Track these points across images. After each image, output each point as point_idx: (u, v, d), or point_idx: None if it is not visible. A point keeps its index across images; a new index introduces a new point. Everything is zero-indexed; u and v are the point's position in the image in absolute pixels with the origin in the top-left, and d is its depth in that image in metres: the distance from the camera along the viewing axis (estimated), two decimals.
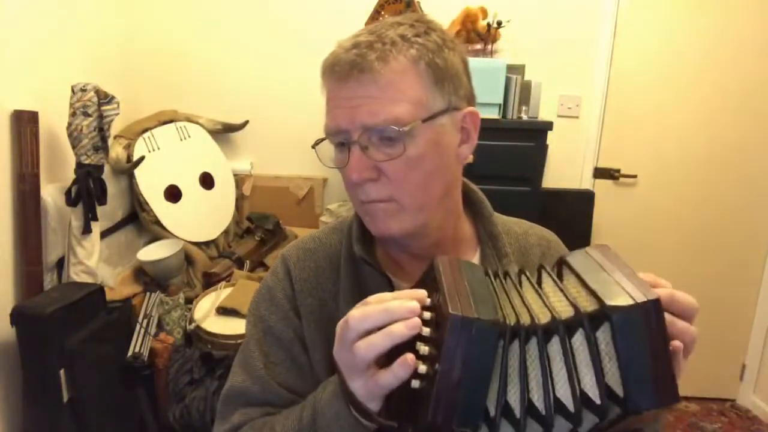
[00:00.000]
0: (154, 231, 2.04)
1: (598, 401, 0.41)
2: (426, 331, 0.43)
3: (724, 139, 2.36)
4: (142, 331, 1.68)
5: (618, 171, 2.41)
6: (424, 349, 0.42)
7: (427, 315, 0.44)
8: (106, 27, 2.12)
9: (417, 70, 0.58)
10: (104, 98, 1.63)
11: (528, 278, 0.51)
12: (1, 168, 1.52)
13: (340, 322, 0.48)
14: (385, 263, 0.69)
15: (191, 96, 2.36)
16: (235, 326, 1.69)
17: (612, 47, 2.30)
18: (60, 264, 1.68)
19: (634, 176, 2.41)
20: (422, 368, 0.42)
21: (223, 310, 1.76)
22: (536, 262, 0.69)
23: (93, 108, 1.60)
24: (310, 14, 2.30)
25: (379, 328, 0.45)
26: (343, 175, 0.62)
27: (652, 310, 0.41)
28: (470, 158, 0.65)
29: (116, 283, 1.86)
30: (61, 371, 1.41)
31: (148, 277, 1.93)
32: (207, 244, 2.14)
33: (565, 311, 0.44)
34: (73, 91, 1.61)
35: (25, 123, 1.55)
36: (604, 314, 0.41)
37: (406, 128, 0.57)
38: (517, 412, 0.42)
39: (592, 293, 0.44)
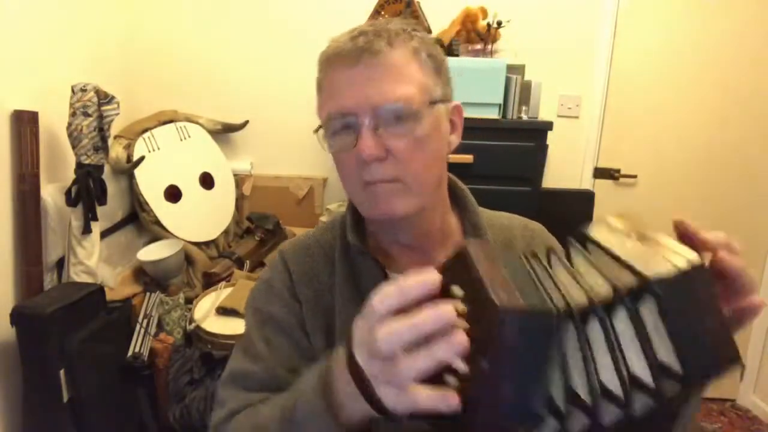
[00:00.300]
0: (154, 231, 2.04)
1: (651, 383, 0.37)
2: (461, 324, 0.38)
3: (724, 139, 2.36)
4: (142, 331, 1.68)
5: (618, 171, 2.41)
6: (462, 323, 0.38)
7: (460, 307, 0.38)
8: (106, 27, 2.12)
9: (419, 59, 0.62)
10: (104, 98, 1.63)
11: (558, 258, 0.46)
12: (1, 168, 1.52)
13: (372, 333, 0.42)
14: (376, 254, 0.70)
15: (191, 96, 2.36)
16: (235, 326, 1.69)
17: (612, 47, 2.30)
18: (60, 264, 1.68)
19: (634, 176, 2.41)
20: (460, 366, 0.37)
21: (223, 310, 1.76)
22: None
23: (93, 108, 1.60)
24: (310, 14, 2.30)
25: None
26: (342, 160, 0.63)
27: (697, 276, 0.38)
28: (455, 144, 0.69)
29: (116, 283, 1.86)
30: (61, 371, 1.41)
31: (148, 277, 1.93)
32: (207, 244, 2.14)
33: (603, 289, 0.40)
34: (73, 91, 1.61)
35: (25, 123, 1.55)
36: (646, 287, 0.38)
37: (416, 107, 0.60)
38: (585, 397, 0.38)
39: (627, 267, 0.40)
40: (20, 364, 1.43)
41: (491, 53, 1.96)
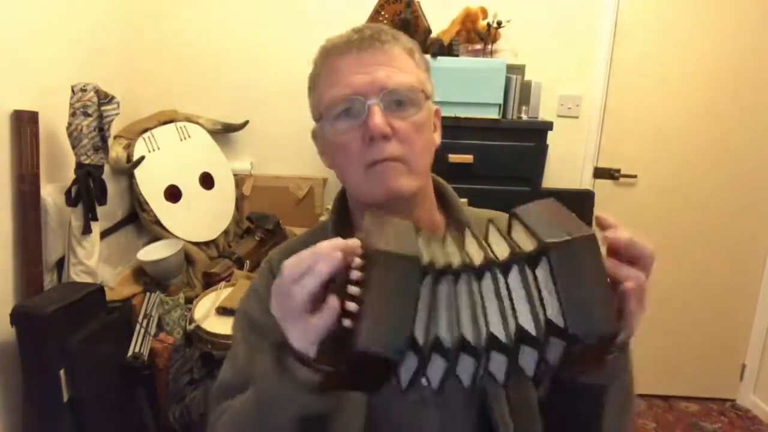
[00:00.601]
0: (154, 231, 2.04)
1: (534, 333, 0.42)
2: (357, 275, 0.45)
3: (724, 139, 2.36)
4: (142, 331, 1.68)
5: (618, 171, 2.41)
6: (354, 290, 0.44)
7: (358, 261, 0.46)
8: (106, 27, 2.12)
9: (415, 57, 0.69)
10: (104, 98, 1.63)
11: (473, 235, 0.52)
12: (1, 168, 1.52)
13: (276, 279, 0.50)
14: None
15: (191, 96, 2.36)
16: None
17: (612, 47, 2.30)
18: (60, 264, 1.68)
19: (634, 176, 2.41)
20: (352, 306, 0.44)
21: (223, 310, 1.76)
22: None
23: (93, 108, 1.60)
24: (310, 14, 2.30)
25: None
26: (345, 142, 0.65)
27: (586, 245, 0.43)
28: (437, 142, 0.73)
29: (116, 283, 1.86)
30: (61, 371, 1.40)
31: (148, 277, 1.93)
32: (207, 244, 2.14)
33: (504, 254, 0.46)
34: (73, 91, 1.61)
35: (25, 123, 1.54)
36: (541, 251, 0.43)
37: (417, 95, 0.66)
38: (449, 345, 0.44)
39: (533, 235, 0.45)
40: (20, 364, 1.43)
41: (491, 53, 1.95)
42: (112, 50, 2.16)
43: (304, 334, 0.48)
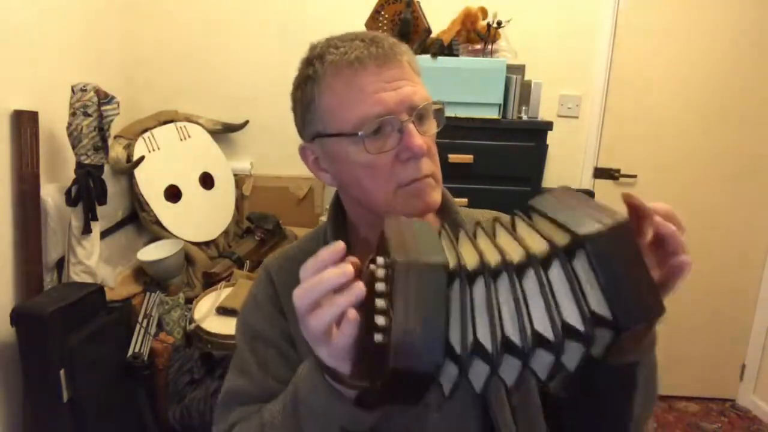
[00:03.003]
0: (154, 231, 2.04)
1: (581, 328, 0.41)
2: (382, 287, 0.43)
3: (724, 139, 2.36)
4: (142, 331, 1.68)
5: (618, 171, 2.41)
6: (380, 303, 0.43)
7: (381, 273, 0.44)
8: (106, 27, 2.12)
9: (415, 68, 0.67)
10: (104, 98, 1.63)
11: (503, 225, 0.51)
12: (1, 168, 1.52)
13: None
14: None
15: (191, 96, 2.36)
16: (235, 326, 1.69)
17: (612, 47, 2.30)
18: (60, 264, 1.68)
19: (634, 176, 2.41)
20: (381, 321, 0.42)
21: (223, 310, 1.76)
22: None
23: (93, 108, 1.60)
24: (310, 14, 2.30)
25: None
26: (375, 163, 0.62)
27: (622, 232, 0.42)
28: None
29: (116, 283, 1.86)
30: (61, 371, 1.40)
31: (148, 277, 1.93)
32: (207, 244, 2.14)
33: (539, 248, 0.44)
34: (73, 91, 1.61)
35: (25, 123, 1.55)
36: (577, 244, 0.42)
37: (440, 107, 0.65)
38: (489, 348, 0.42)
39: (562, 227, 0.44)
40: (20, 364, 1.43)
41: (491, 53, 1.95)
42: (112, 50, 2.16)
43: (332, 354, 0.47)
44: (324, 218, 2.42)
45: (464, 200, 1.57)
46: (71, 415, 1.43)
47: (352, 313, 0.44)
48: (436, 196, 0.65)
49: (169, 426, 1.65)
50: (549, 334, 0.41)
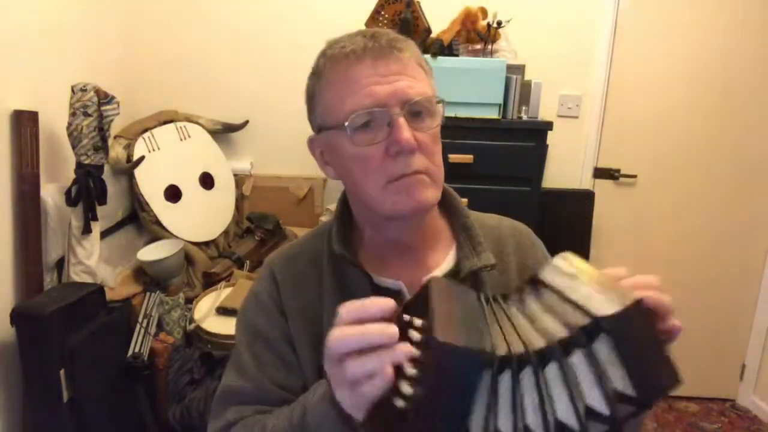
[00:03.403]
0: (154, 231, 2.04)
1: (606, 412, 0.41)
2: (415, 353, 0.43)
3: (724, 139, 2.36)
4: (142, 331, 1.68)
5: (618, 171, 2.41)
6: (410, 370, 0.43)
7: (416, 335, 0.44)
8: (106, 27, 2.12)
9: (423, 65, 0.67)
10: (104, 98, 1.63)
11: (515, 301, 0.51)
12: (1, 168, 1.52)
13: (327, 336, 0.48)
14: (368, 262, 0.70)
15: (191, 96, 2.36)
16: (235, 326, 1.69)
17: (612, 47, 2.30)
18: (60, 264, 1.68)
19: (634, 176, 2.41)
20: (407, 389, 0.42)
21: (223, 310, 1.76)
22: (511, 251, 0.74)
23: (93, 108, 1.60)
24: (310, 14, 2.29)
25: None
26: (366, 155, 0.62)
27: (640, 311, 0.43)
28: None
29: (116, 283, 1.86)
30: (61, 371, 1.40)
31: (148, 277, 1.93)
32: (207, 244, 2.14)
33: (559, 331, 0.44)
34: (73, 91, 1.61)
35: (25, 123, 1.55)
36: (598, 327, 0.42)
37: (434, 105, 0.63)
38: None
39: (579, 307, 0.44)
40: (20, 364, 1.43)
41: (491, 53, 1.95)
42: (112, 50, 2.17)
43: (353, 400, 0.47)
44: (324, 218, 2.43)
45: (464, 200, 1.57)
46: (71, 415, 1.43)
47: (390, 371, 0.43)
48: (427, 193, 0.63)
49: (169, 426, 1.65)
50: (573, 422, 0.42)
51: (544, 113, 2.06)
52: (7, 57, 1.53)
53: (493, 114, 1.89)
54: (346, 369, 0.45)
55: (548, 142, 1.95)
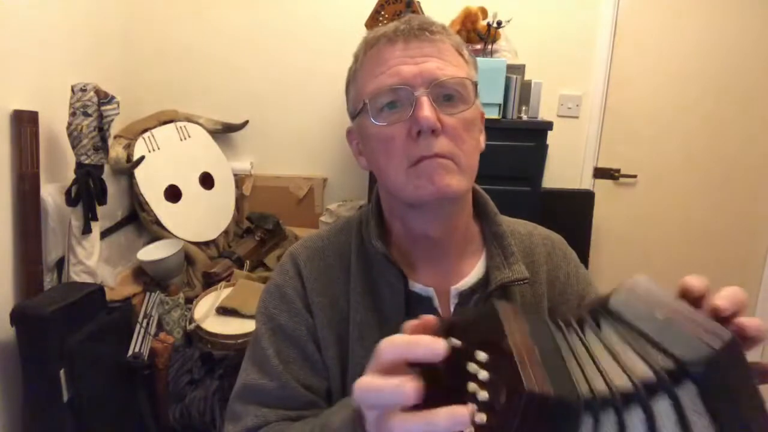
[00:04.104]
0: (154, 231, 2.04)
1: None
2: (484, 396, 0.36)
3: (724, 139, 2.36)
4: (142, 331, 1.68)
5: (618, 171, 2.41)
6: (479, 417, 0.35)
7: (483, 374, 0.36)
8: (106, 27, 2.12)
9: (464, 53, 0.65)
10: (104, 98, 1.63)
11: (592, 330, 0.43)
12: (1, 168, 1.52)
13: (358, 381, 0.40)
14: (398, 261, 0.67)
15: (191, 96, 2.36)
16: (236, 326, 1.69)
17: (612, 47, 2.30)
18: (60, 264, 1.68)
19: (634, 176, 2.41)
20: (480, 418, 0.35)
21: (223, 310, 1.76)
22: (542, 262, 0.71)
23: (93, 108, 1.60)
24: (310, 14, 2.29)
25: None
26: (389, 136, 0.60)
27: (731, 354, 0.36)
28: (483, 145, 0.68)
29: (116, 283, 1.86)
30: (61, 371, 1.40)
31: (148, 277, 1.93)
32: (207, 244, 2.14)
33: (641, 370, 0.38)
34: (73, 91, 1.61)
35: (25, 123, 1.54)
36: (684, 372, 0.36)
37: (468, 91, 0.61)
38: None
39: (658, 347, 0.38)
40: (20, 364, 1.43)
41: (491, 53, 1.95)
42: (112, 50, 2.17)
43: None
44: (324, 218, 2.42)
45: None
46: (71, 415, 1.43)
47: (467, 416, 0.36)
48: (451, 180, 0.59)
49: (169, 426, 1.65)
50: None
51: (544, 113, 2.07)
52: (7, 57, 1.53)
53: (493, 114, 1.89)
54: (391, 426, 0.37)
55: (548, 142, 1.95)
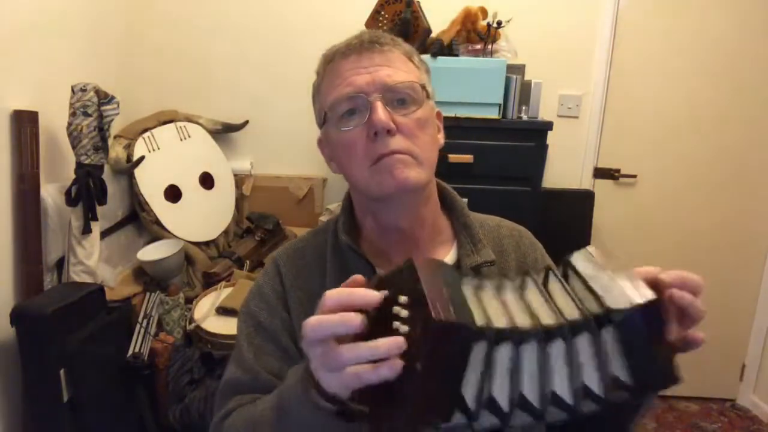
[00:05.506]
0: (154, 231, 2.04)
1: (600, 393, 0.45)
2: (402, 328, 0.44)
3: (724, 139, 2.36)
4: (142, 331, 1.68)
5: (618, 171, 2.41)
6: (403, 329, 0.44)
7: (404, 313, 0.45)
8: (106, 27, 2.12)
9: (414, 60, 0.71)
10: (104, 98, 1.63)
11: (534, 281, 0.53)
12: (1, 168, 1.52)
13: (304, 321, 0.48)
14: (371, 256, 0.73)
15: (191, 96, 2.36)
16: (235, 326, 1.69)
17: (612, 47, 2.30)
18: (60, 264, 1.68)
19: (634, 176, 2.41)
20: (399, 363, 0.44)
21: (223, 310, 1.76)
22: (510, 250, 0.78)
23: (93, 108, 1.60)
24: (310, 14, 2.30)
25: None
26: (351, 140, 0.66)
27: (650, 311, 0.45)
28: (441, 142, 0.74)
29: (116, 283, 1.86)
30: (61, 371, 1.40)
31: (148, 277, 1.93)
32: (207, 244, 2.14)
33: (571, 314, 0.47)
34: (73, 91, 1.61)
35: (25, 123, 1.54)
36: (607, 317, 0.46)
37: (418, 94, 0.67)
38: (504, 405, 0.45)
39: (596, 297, 0.47)
40: (20, 364, 1.43)
41: (491, 53, 1.95)
42: (112, 50, 2.17)
43: (343, 383, 0.46)
44: (323, 218, 2.42)
45: (464, 200, 1.57)
46: (71, 415, 1.43)
47: (399, 363, 0.43)
48: (410, 173, 0.65)
49: (169, 426, 1.65)
50: (568, 397, 0.46)
51: (544, 113, 2.07)
52: (7, 57, 1.53)
53: (493, 114, 1.89)
54: (338, 354, 0.45)
55: (548, 142, 1.95)
